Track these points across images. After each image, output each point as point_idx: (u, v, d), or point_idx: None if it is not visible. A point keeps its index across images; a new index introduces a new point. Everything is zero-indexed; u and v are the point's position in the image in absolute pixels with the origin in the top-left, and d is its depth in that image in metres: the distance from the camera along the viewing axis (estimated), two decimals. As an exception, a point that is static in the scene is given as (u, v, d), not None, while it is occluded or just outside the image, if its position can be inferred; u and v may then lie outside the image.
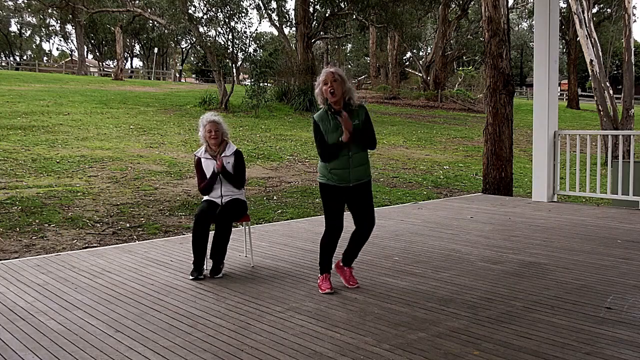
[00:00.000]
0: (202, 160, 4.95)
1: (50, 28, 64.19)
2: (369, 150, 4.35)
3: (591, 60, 16.67)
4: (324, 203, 4.38)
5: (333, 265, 4.49)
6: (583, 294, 4.12)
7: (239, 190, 4.96)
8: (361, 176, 4.30)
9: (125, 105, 23.01)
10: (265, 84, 24.62)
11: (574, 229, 6.49)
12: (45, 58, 71.93)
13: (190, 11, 24.99)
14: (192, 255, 4.76)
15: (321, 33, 32.07)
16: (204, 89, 29.93)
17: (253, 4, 32.25)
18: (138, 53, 67.40)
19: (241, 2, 25.25)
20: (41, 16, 54.10)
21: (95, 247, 6.45)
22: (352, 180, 4.26)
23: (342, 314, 3.77)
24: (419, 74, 39.74)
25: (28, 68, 52.62)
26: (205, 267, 4.77)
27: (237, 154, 4.97)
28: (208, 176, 4.91)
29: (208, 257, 4.82)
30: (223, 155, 4.91)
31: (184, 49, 61.35)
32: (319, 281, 4.37)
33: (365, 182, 4.33)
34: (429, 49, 49.62)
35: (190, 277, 4.65)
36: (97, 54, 62.82)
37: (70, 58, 65.04)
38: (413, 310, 3.84)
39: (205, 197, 4.96)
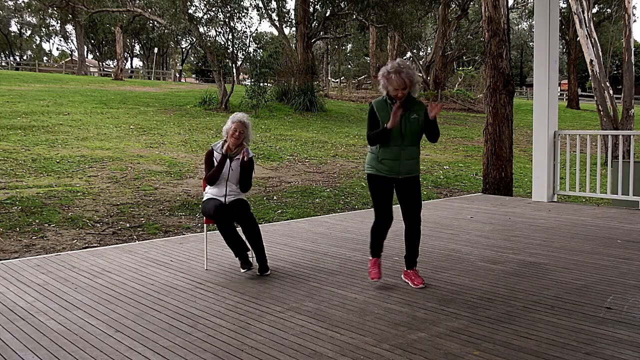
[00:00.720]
0: (215, 153, 4.90)
1: (50, 28, 64.21)
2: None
3: (591, 60, 16.67)
4: (372, 194, 4.39)
5: (402, 276, 4.51)
6: (583, 294, 4.12)
7: (241, 192, 4.96)
8: (411, 170, 4.32)
9: (125, 105, 23.01)
10: (265, 84, 24.61)
11: (574, 229, 6.49)
12: (45, 58, 71.94)
13: (190, 11, 24.98)
14: (232, 251, 4.81)
15: (321, 33, 32.08)
16: (204, 89, 29.93)
17: (253, 4, 32.26)
18: (138, 53, 67.41)
19: (241, 2, 25.25)
20: (41, 16, 54.16)
21: (95, 247, 6.45)
22: (401, 173, 4.29)
23: (342, 314, 3.77)
24: (419, 74, 39.71)
25: (28, 68, 52.63)
26: (249, 254, 4.82)
27: (251, 161, 4.96)
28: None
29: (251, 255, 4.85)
30: (237, 157, 4.87)
31: (184, 49, 61.36)
32: (369, 265, 4.46)
33: (414, 176, 4.36)
34: (429, 49, 49.62)
35: (243, 270, 4.76)
36: (97, 54, 62.83)
37: (70, 58, 65.04)
38: (413, 310, 3.84)
39: (208, 196, 4.93)
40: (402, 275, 4.53)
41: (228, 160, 4.87)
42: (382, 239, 4.46)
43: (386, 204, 4.36)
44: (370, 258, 4.49)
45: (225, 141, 4.91)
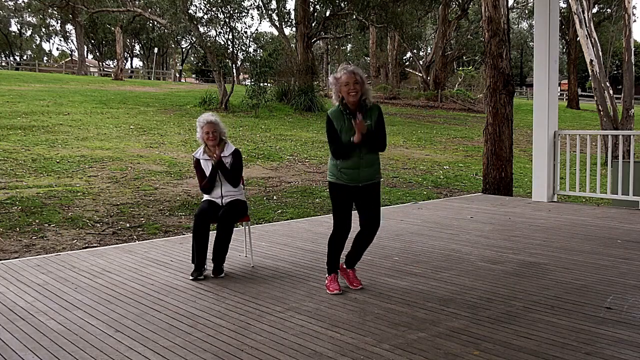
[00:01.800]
0: (201, 161, 4.94)
1: (50, 28, 64.22)
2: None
3: (591, 60, 16.67)
4: (332, 202, 4.35)
5: (339, 272, 4.46)
6: (583, 294, 4.12)
7: (239, 191, 4.96)
8: (371, 176, 4.28)
9: (125, 105, 23.01)
10: (265, 84, 24.60)
11: (574, 229, 6.49)
12: (45, 58, 71.94)
13: (190, 11, 24.97)
14: (192, 255, 4.75)
15: (321, 33, 32.07)
16: (204, 89, 29.93)
17: (253, 4, 32.23)
18: (138, 53, 67.41)
19: (242, 2, 25.24)
20: (41, 16, 54.14)
21: (95, 247, 6.45)
22: (362, 180, 4.25)
23: (342, 314, 3.77)
24: (419, 74, 39.74)
25: (28, 68, 52.63)
26: (205, 267, 4.76)
27: (236, 153, 4.97)
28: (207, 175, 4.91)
29: (210, 257, 4.81)
30: (222, 155, 4.90)
31: (184, 49, 61.36)
32: (327, 282, 4.36)
33: (375, 182, 4.32)
34: (429, 49, 49.63)
35: (190, 278, 4.65)
36: (97, 54, 62.83)
37: (70, 58, 65.03)
38: (413, 310, 3.84)
39: (206, 197, 4.96)
40: (339, 271, 4.43)
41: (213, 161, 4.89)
42: (339, 252, 4.36)
43: (346, 212, 4.28)
44: (327, 275, 4.38)
45: (207, 146, 4.92)
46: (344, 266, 4.49)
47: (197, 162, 4.98)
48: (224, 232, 4.77)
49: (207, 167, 4.91)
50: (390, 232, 6.39)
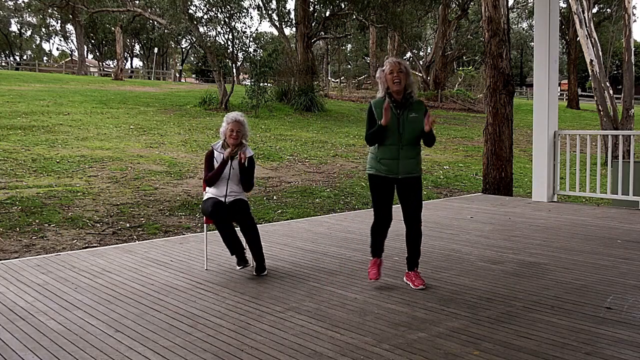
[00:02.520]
0: (215, 153, 4.91)
1: (50, 28, 64.21)
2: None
3: (591, 60, 16.67)
4: (372, 194, 4.41)
5: (404, 278, 4.48)
6: (583, 294, 4.12)
7: (242, 191, 4.96)
8: (411, 169, 4.30)
9: (125, 105, 23.01)
10: (265, 84, 24.60)
11: (574, 229, 6.49)
12: (45, 58, 71.94)
13: (190, 11, 24.97)
14: (228, 249, 4.81)
15: (321, 33, 32.07)
16: (204, 89, 29.93)
17: (253, 4, 32.25)
18: (138, 53, 67.41)
19: (242, 2, 25.24)
20: (41, 16, 54.13)
21: (95, 247, 6.45)
22: (400, 172, 4.27)
23: (342, 314, 3.77)
24: (419, 74, 39.72)
25: (28, 68, 52.63)
26: (245, 253, 4.84)
27: (250, 159, 4.96)
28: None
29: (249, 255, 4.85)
30: (236, 157, 4.88)
31: (184, 49, 61.36)
32: (369, 265, 4.46)
33: (415, 176, 4.34)
34: (429, 49, 49.62)
35: (239, 268, 4.77)
36: (97, 54, 62.82)
37: (70, 58, 65.03)
38: (413, 310, 3.84)
39: (208, 195, 4.93)
40: (404, 277, 4.50)
41: (229, 159, 4.87)
42: (382, 239, 4.47)
43: (385, 204, 4.35)
44: (371, 258, 4.49)
45: (225, 141, 4.91)
46: (407, 270, 4.49)
47: (210, 153, 4.94)
48: (251, 230, 4.78)
49: (219, 161, 4.88)
50: (390, 232, 6.37)
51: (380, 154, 4.28)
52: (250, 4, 34.14)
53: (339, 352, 3.17)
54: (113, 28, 46.21)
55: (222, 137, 4.94)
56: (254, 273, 4.75)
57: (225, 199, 4.86)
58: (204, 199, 5.02)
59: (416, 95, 4.34)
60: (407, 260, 4.49)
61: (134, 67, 67.04)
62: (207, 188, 4.97)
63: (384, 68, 4.25)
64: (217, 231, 4.85)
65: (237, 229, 4.88)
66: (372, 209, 4.45)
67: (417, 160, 4.35)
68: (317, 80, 31.62)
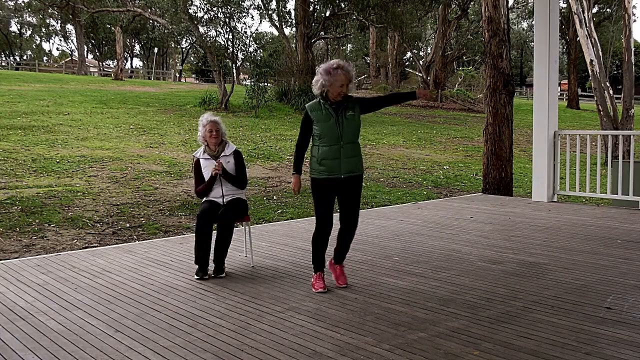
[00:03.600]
0: (201, 160, 4.95)
1: (50, 28, 64.20)
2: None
3: (591, 60, 16.67)
4: (314, 198, 4.34)
5: (327, 266, 4.50)
6: (583, 294, 4.12)
7: (240, 190, 4.96)
8: (353, 168, 4.27)
9: (125, 105, 23.01)
10: (265, 84, 24.60)
11: (574, 229, 6.48)
12: (45, 58, 71.93)
13: (190, 11, 24.96)
14: (195, 255, 4.75)
15: (321, 33, 32.06)
16: (204, 89, 29.93)
17: (254, 4, 32.20)
18: (138, 53, 67.40)
19: (242, 2, 25.23)
20: (41, 16, 54.15)
21: (95, 247, 6.45)
22: (343, 172, 4.24)
23: (342, 314, 3.77)
24: (419, 74, 39.73)
25: (28, 68, 52.61)
26: (209, 266, 4.76)
27: (237, 154, 4.98)
28: (206, 177, 4.90)
29: (211, 257, 4.80)
30: (222, 155, 4.92)
31: (184, 49, 61.35)
32: (312, 280, 4.39)
33: (357, 175, 4.30)
34: (429, 49, 49.61)
35: (195, 278, 4.64)
36: (97, 54, 62.83)
37: (70, 58, 65.02)
38: (413, 310, 3.84)
39: (206, 197, 4.95)
40: (327, 265, 4.48)
41: (215, 159, 4.90)
42: (323, 249, 4.38)
43: (328, 206, 4.29)
44: (314, 274, 4.39)
45: (207, 145, 4.93)
46: (332, 261, 4.52)
47: (197, 163, 4.98)
48: (225, 232, 4.77)
49: (207, 167, 4.91)
50: (390, 232, 6.39)
51: (321, 154, 4.23)
52: (251, 4, 34.13)
53: (339, 352, 3.17)
54: (113, 28, 46.22)
55: (202, 142, 4.97)
56: (212, 274, 4.71)
57: (222, 200, 4.87)
58: (202, 200, 5.03)
59: (352, 93, 4.30)
60: (335, 252, 4.48)
61: (134, 67, 67.06)
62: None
63: (333, 68, 4.13)
64: (216, 231, 4.84)
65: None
66: (315, 214, 4.35)
67: (358, 159, 4.32)
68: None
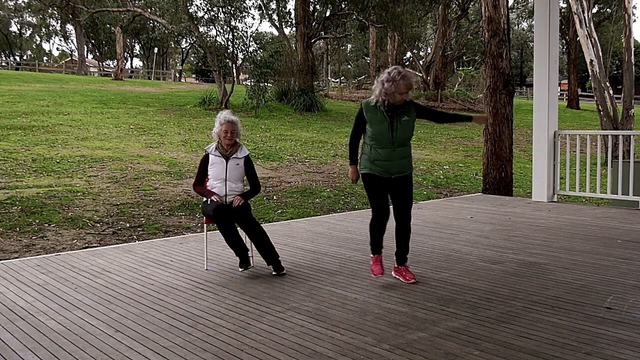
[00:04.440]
0: (211, 156, 4.92)
1: (50, 28, 64.20)
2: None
3: (591, 60, 16.67)
4: (367, 191, 4.50)
5: (393, 272, 4.59)
6: (583, 294, 4.12)
7: (241, 189, 4.96)
8: (403, 169, 4.42)
9: (125, 105, 23.01)
10: (266, 84, 24.60)
11: (574, 229, 6.48)
12: (45, 58, 71.93)
13: (190, 11, 24.95)
14: (233, 251, 4.84)
15: (321, 33, 32.04)
16: (204, 89, 29.93)
17: (254, 4, 32.22)
18: (138, 53, 67.40)
19: (243, 2, 25.22)
20: (41, 16, 54.14)
21: (95, 247, 6.45)
22: (394, 172, 4.39)
23: (342, 314, 3.77)
24: (419, 74, 39.71)
25: (28, 68, 52.61)
26: (249, 254, 4.88)
27: (248, 159, 4.98)
28: (213, 173, 4.89)
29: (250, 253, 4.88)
30: (234, 156, 4.90)
31: (184, 49, 61.35)
32: (371, 263, 4.55)
33: (406, 174, 4.46)
34: (429, 49, 49.61)
35: (240, 270, 4.77)
36: (97, 54, 62.82)
37: (70, 58, 65.02)
38: (413, 310, 3.84)
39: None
40: (393, 272, 4.60)
41: (225, 159, 4.89)
42: (381, 235, 4.54)
43: (383, 198, 4.45)
44: (372, 256, 4.56)
45: (219, 143, 4.92)
46: (396, 265, 4.60)
47: (205, 157, 4.96)
48: (257, 231, 4.79)
49: (214, 164, 4.89)
50: (390, 232, 6.37)
51: (373, 155, 4.37)
52: (252, 4, 34.15)
53: (339, 352, 3.17)
54: (113, 28, 46.21)
55: (216, 139, 4.96)
56: (273, 273, 4.76)
57: (225, 199, 4.86)
58: (204, 199, 5.02)
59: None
60: (396, 255, 4.59)
61: (134, 67, 67.06)
62: (208, 185, 4.97)
63: (394, 77, 4.19)
64: (217, 231, 4.85)
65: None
66: (370, 206, 4.53)
67: (408, 160, 4.47)
68: (317, 80, 31.62)
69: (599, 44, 17.06)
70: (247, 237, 4.89)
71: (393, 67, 4.36)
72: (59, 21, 57.35)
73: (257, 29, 70.08)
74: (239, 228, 4.85)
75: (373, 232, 4.54)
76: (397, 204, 4.49)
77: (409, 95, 4.32)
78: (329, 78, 50.80)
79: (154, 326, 3.59)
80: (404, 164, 4.41)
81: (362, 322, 3.62)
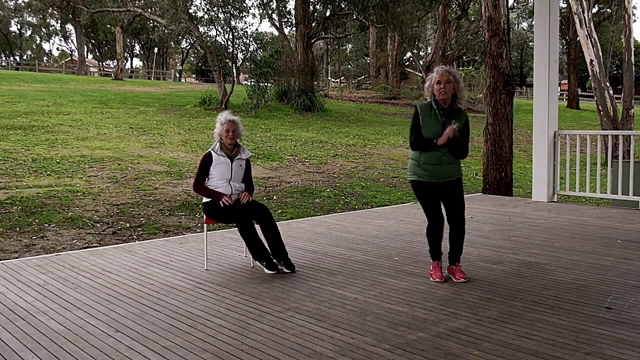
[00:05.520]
0: (215, 156, 4.92)
1: (50, 28, 64.20)
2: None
3: (591, 60, 16.67)
4: (420, 200, 4.52)
5: (446, 272, 4.60)
6: (583, 294, 4.12)
7: (242, 189, 5.00)
8: (452, 173, 4.44)
9: (125, 105, 23.01)
10: (266, 84, 24.59)
11: (574, 229, 6.48)
12: (45, 58, 71.92)
13: (190, 11, 24.95)
14: (254, 255, 4.81)
15: (321, 33, 32.05)
16: (204, 89, 29.92)
17: (255, 4, 32.19)
18: (138, 53, 67.39)
19: (243, 2, 25.22)
20: (41, 16, 54.14)
21: (95, 247, 6.45)
22: (442, 177, 4.40)
23: (342, 314, 3.77)
24: (419, 74, 39.69)
25: (28, 68, 52.61)
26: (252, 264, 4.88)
27: (249, 161, 5.10)
28: (217, 173, 4.89)
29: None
30: (238, 157, 4.96)
31: (184, 49, 61.33)
32: (431, 269, 4.57)
33: (455, 179, 4.47)
34: (429, 49, 49.61)
35: (272, 272, 4.73)
36: (97, 54, 62.82)
37: (70, 58, 65.02)
38: (413, 310, 3.84)
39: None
40: (446, 270, 4.62)
41: (229, 160, 4.91)
42: (439, 240, 4.56)
43: (435, 206, 4.47)
44: (432, 262, 4.60)
45: (222, 142, 4.93)
46: (449, 265, 4.62)
47: (209, 157, 4.94)
48: (274, 225, 4.84)
49: (219, 164, 4.89)
50: (390, 232, 6.39)
51: (423, 159, 4.38)
52: (252, 3, 34.14)
53: (339, 352, 3.17)
54: (113, 28, 46.20)
55: (218, 139, 4.97)
56: (286, 270, 4.80)
57: (230, 199, 4.89)
58: (204, 200, 5.02)
59: (463, 103, 4.44)
60: (450, 255, 4.60)
61: (134, 67, 67.06)
62: (211, 185, 4.97)
63: (432, 75, 4.30)
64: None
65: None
66: (425, 215, 4.52)
67: (457, 164, 4.48)
68: (317, 80, 31.60)
69: (599, 44, 17.06)
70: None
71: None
72: (59, 21, 57.36)
73: (257, 29, 70.08)
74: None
75: (431, 239, 4.55)
76: (450, 208, 4.48)
77: (460, 91, 4.29)
78: (329, 78, 50.80)
79: (154, 326, 3.59)
80: (453, 169, 4.43)
81: (362, 322, 3.62)
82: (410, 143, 4.42)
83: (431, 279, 4.52)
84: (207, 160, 4.96)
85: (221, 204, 4.81)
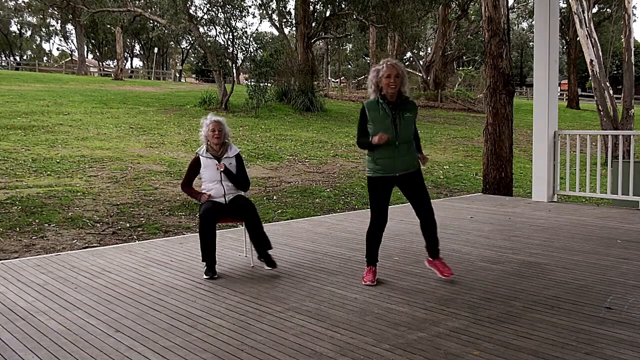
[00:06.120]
0: (202, 158, 4.93)
1: (50, 28, 64.20)
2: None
3: (591, 60, 16.67)
4: (370, 195, 4.47)
5: (426, 262, 4.60)
6: (583, 294, 4.12)
7: (241, 191, 4.98)
8: (408, 166, 4.37)
9: (125, 105, 23.01)
10: (266, 84, 24.59)
11: (574, 229, 6.48)
12: (45, 58, 71.90)
13: (190, 11, 24.95)
14: (203, 255, 4.75)
15: (321, 33, 32.04)
16: (204, 89, 29.92)
17: (255, 4, 32.19)
18: (138, 53, 67.39)
19: (242, 2, 25.21)
20: (41, 16, 54.13)
21: (95, 247, 6.45)
22: (398, 170, 4.35)
23: (342, 314, 3.77)
24: (419, 74, 39.72)
25: (28, 68, 52.61)
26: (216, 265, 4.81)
27: (239, 157, 5.01)
28: (206, 176, 4.89)
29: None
30: (225, 156, 4.93)
31: (184, 49, 61.34)
32: (364, 273, 4.51)
33: (412, 172, 4.40)
34: (429, 49, 49.60)
35: (205, 277, 4.64)
36: (97, 54, 62.81)
37: (70, 58, 65.01)
38: (413, 310, 3.84)
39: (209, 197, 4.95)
40: (426, 263, 4.59)
41: (217, 161, 4.91)
42: (377, 244, 4.50)
43: (381, 204, 4.41)
44: (366, 267, 4.53)
45: (209, 144, 4.93)
46: (430, 259, 4.59)
47: (196, 160, 4.96)
48: (253, 222, 4.81)
49: (207, 166, 4.90)
50: (390, 232, 6.37)
51: (377, 154, 4.34)
52: (250, 4, 34.13)
53: (339, 352, 3.17)
54: (113, 28, 46.20)
55: (205, 141, 4.97)
56: (267, 267, 4.81)
57: (225, 199, 4.87)
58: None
59: (408, 94, 4.39)
60: (428, 248, 4.56)
61: (134, 67, 67.06)
62: (205, 188, 4.97)
63: (379, 69, 4.26)
64: (218, 231, 4.85)
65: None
66: (370, 212, 4.48)
67: (412, 156, 4.41)
68: (317, 80, 31.61)
69: (599, 44, 17.06)
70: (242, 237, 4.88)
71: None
72: (59, 21, 57.36)
73: (257, 29, 70.05)
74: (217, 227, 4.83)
75: (369, 240, 4.50)
76: (415, 201, 4.42)
77: (404, 84, 4.27)
78: (329, 78, 50.81)
79: (154, 326, 3.59)
80: (408, 161, 4.35)
81: (362, 322, 3.62)
82: (357, 141, 4.49)
83: (363, 282, 4.42)
84: (195, 164, 4.97)
85: (200, 201, 4.85)
